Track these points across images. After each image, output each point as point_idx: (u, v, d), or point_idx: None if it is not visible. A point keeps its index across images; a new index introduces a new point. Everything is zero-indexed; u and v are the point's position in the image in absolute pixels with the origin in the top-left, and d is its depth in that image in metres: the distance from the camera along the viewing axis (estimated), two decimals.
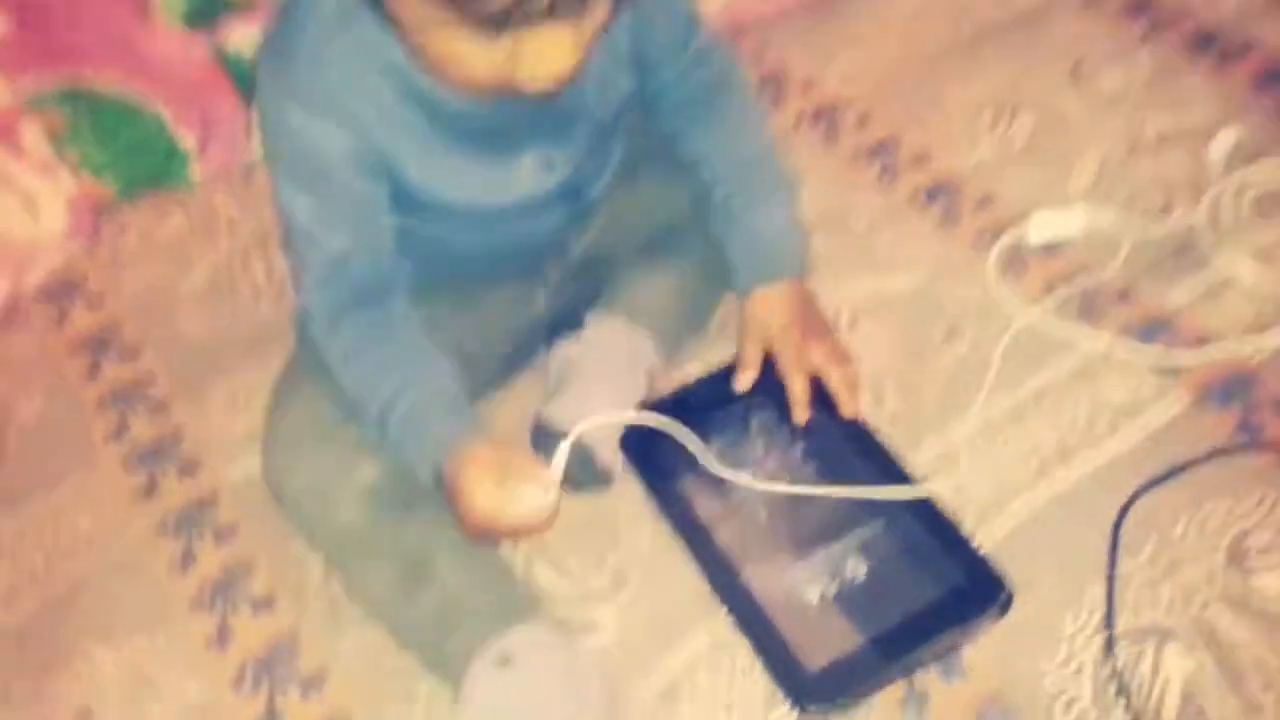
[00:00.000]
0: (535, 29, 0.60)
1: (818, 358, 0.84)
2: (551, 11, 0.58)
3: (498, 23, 0.59)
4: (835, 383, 0.84)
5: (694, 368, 0.90)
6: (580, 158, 0.80)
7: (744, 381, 0.86)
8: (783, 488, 0.79)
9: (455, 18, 0.59)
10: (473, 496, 0.68)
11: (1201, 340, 0.87)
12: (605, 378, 0.84)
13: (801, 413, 0.83)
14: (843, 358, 0.85)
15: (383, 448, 0.75)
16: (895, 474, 0.80)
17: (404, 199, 0.76)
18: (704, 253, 0.89)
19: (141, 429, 0.93)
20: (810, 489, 0.79)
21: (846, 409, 0.83)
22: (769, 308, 0.86)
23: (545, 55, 0.62)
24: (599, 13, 0.62)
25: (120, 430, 0.93)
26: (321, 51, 0.69)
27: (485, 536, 0.72)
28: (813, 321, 0.87)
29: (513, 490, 0.67)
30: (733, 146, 0.88)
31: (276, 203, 0.76)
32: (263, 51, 0.74)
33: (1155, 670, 0.70)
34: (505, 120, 0.74)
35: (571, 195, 0.83)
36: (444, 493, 0.71)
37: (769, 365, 0.87)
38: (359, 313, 0.76)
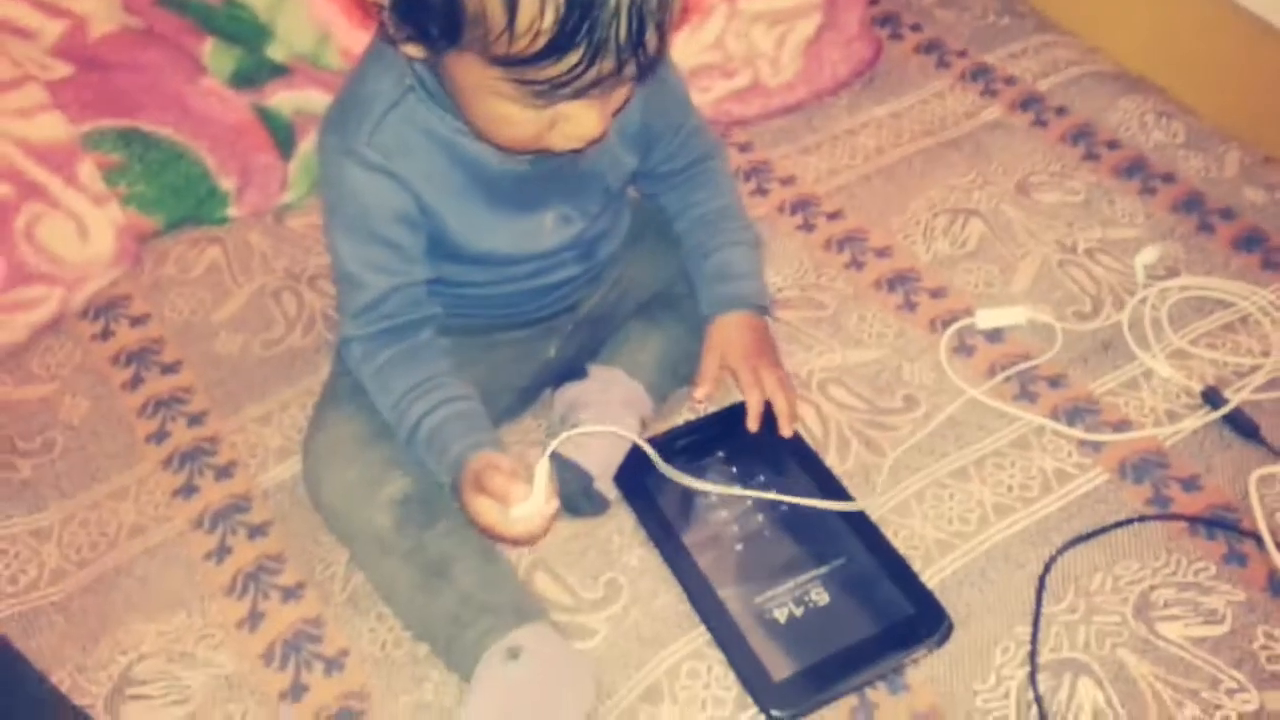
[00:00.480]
0: (575, 101, 0.71)
1: (769, 383, 0.94)
2: (592, 87, 0.69)
3: (547, 94, 0.70)
4: (779, 406, 0.94)
5: (681, 416, 0.99)
6: (593, 217, 0.90)
7: (701, 392, 0.95)
8: (740, 491, 0.90)
9: (513, 88, 0.70)
10: (474, 514, 0.80)
11: (1122, 423, 0.96)
12: (606, 417, 0.93)
13: (754, 424, 0.93)
14: (789, 388, 0.96)
15: (414, 459, 0.85)
16: (857, 516, 0.89)
17: (442, 248, 0.86)
18: (694, 316, 0.99)
19: (181, 434, 0.99)
20: (763, 494, 0.89)
21: (786, 430, 0.94)
22: (729, 333, 0.96)
23: (580, 121, 0.73)
24: (625, 89, 0.74)
25: (161, 434, 0.99)
26: (381, 120, 0.79)
27: (494, 538, 0.81)
28: (767, 351, 0.97)
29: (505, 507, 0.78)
30: (707, 203, 1.00)
31: (326, 245, 0.86)
32: (330, 113, 0.83)
33: (1070, 698, 0.78)
34: (533, 181, 0.85)
35: (585, 253, 0.93)
36: (460, 501, 0.81)
37: (743, 420, 0.96)
38: (392, 344, 0.86)
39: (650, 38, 0.68)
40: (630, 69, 0.69)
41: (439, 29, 0.68)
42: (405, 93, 0.80)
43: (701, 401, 0.97)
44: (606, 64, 0.67)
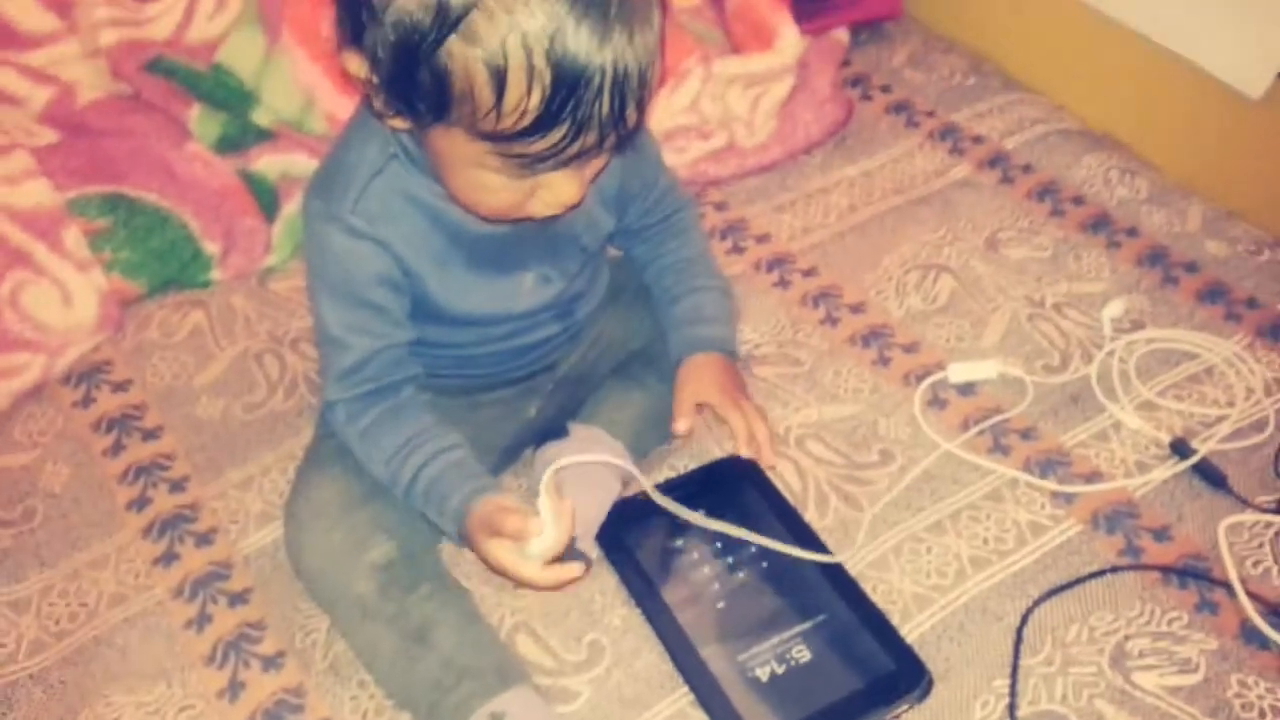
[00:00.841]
0: (556, 171, 0.74)
1: (748, 409, 0.95)
2: (575, 159, 0.72)
3: (530, 165, 0.72)
4: (760, 433, 0.94)
5: (661, 473, 1.00)
6: (571, 277, 0.92)
7: (681, 425, 0.94)
8: (725, 527, 0.90)
9: (497, 160, 0.72)
10: (490, 558, 0.80)
11: (1093, 475, 0.98)
12: (587, 477, 0.93)
13: (745, 447, 0.93)
14: (763, 417, 0.96)
15: (404, 519, 0.86)
16: (837, 573, 0.90)
17: (424, 310, 0.87)
18: (672, 374, 1.00)
19: (162, 501, 0.99)
20: (752, 536, 0.90)
21: (769, 457, 0.94)
22: (702, 370, 0.97)
23: (559, 190, 0.76)
24: (603, 158, 0.76)
25: (142, 501, 0.99)
26: (365, 187, 0.81)
27: (514, 579, 0.82)
28: (741, 386, 0.98)
29: (516, 547, 0.79)
30: (677, 251, 1.01)
31: (311, 308, 0.87)
32: (315, 179, 0.85)
33: None
34: (513, 243, 0.86)
35: (564, 312, 0.95)
36: (473, 548, 0.83)
37: (726, 476, 0.98)
38: (377, 403, 0.87)
39: (631, 113, 0.70)
40: (611, 140, 0.71)
41: (426, 106, 0.70)
42: (389, 160, 0.81)
43: (681, 436, 0.97)
44: (590, 138, 0.69)
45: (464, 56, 0.66)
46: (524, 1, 0.64)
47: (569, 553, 0.89)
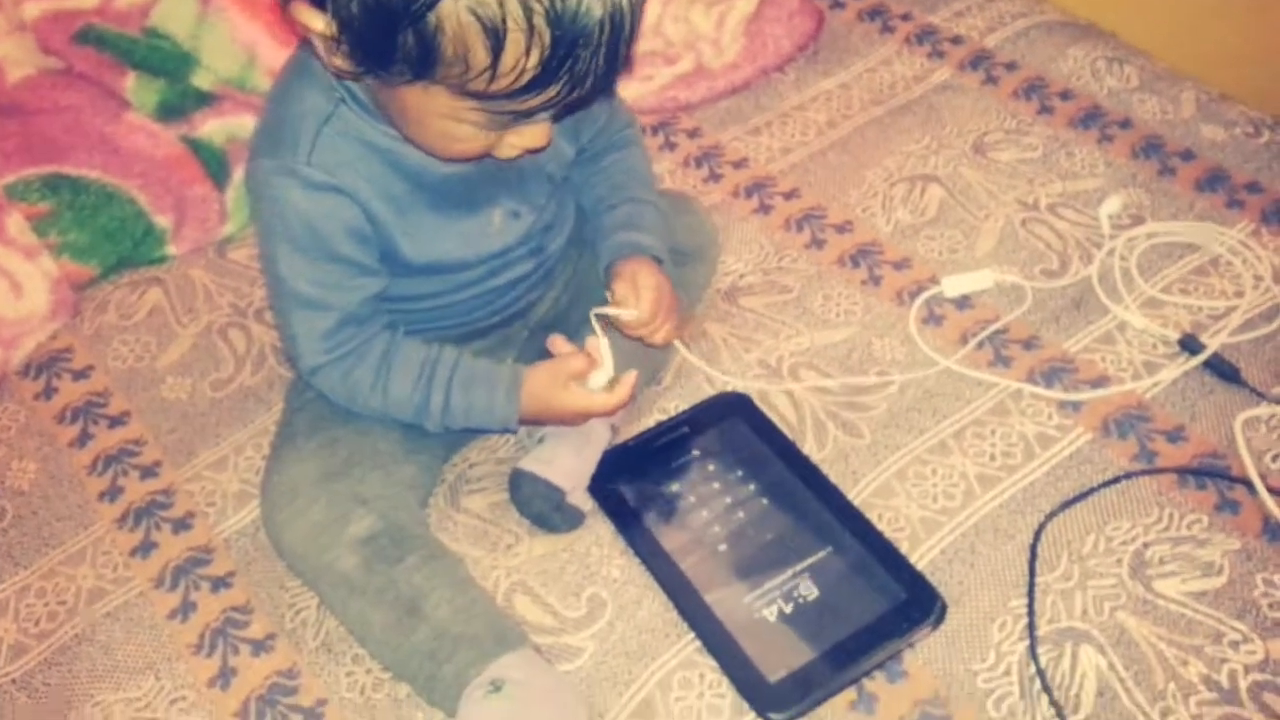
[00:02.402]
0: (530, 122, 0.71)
1: (668, 303, 0.90)
2: (565, 112, 0.70)
3: (514, 119, 0.70)
4: (660, 335, 0.89)
5: (652, 416, 0.97)
6: (540, 209, 0.88)
7: (626, 317, 0.88)
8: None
9: (478, 115, 0.69)
10: (569, 405, 0.85)
11: (1100, 380, 0.95)
12: (574, 429, 0.90)
13: (628, 319, 0.88)
14: (681, 322, 0.93)
15: (447, 426, 0.86)
16: (840, 504, 0.87)
17: (392, 260, 0.83)
18: None
19: (134, 489, 0.96)
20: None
21: (641, 310, 0.88)
22: (636, 265, 0.90)
23: (529, 135, 0.74)
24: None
25: (114, 491, 0.96)
26: (316, 137, 0.77)
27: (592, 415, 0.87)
28: (671, 293, 0.92)
29: (581, 384, 0.85)
30: (615, 165, 0.96)
31: (272, 274, 0.82)
32: (258, 137, 0.80)
33: (1073, 668, 0.77)
34: (477, 181, 0.83)
35: (536, 248, 0.90)
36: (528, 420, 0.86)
37: (720, 414, 0.95)
38: (366, 355, 0.84)
39: (624, 61, 0.68)
40: (599, 91, 0.70)
41: (406, 66, 0.67)
42: (336, 105, 0.77)
43: (632, 326, 0.89)
44: (582, 90, 0.68)
45: (458, 19, 0.63)
46: None
47: (559, 512, 0.88)
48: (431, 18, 0.63)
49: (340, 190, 0.77)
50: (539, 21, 0.63)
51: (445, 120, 0.71)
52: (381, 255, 0.83)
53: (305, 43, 0.77)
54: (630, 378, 0.86)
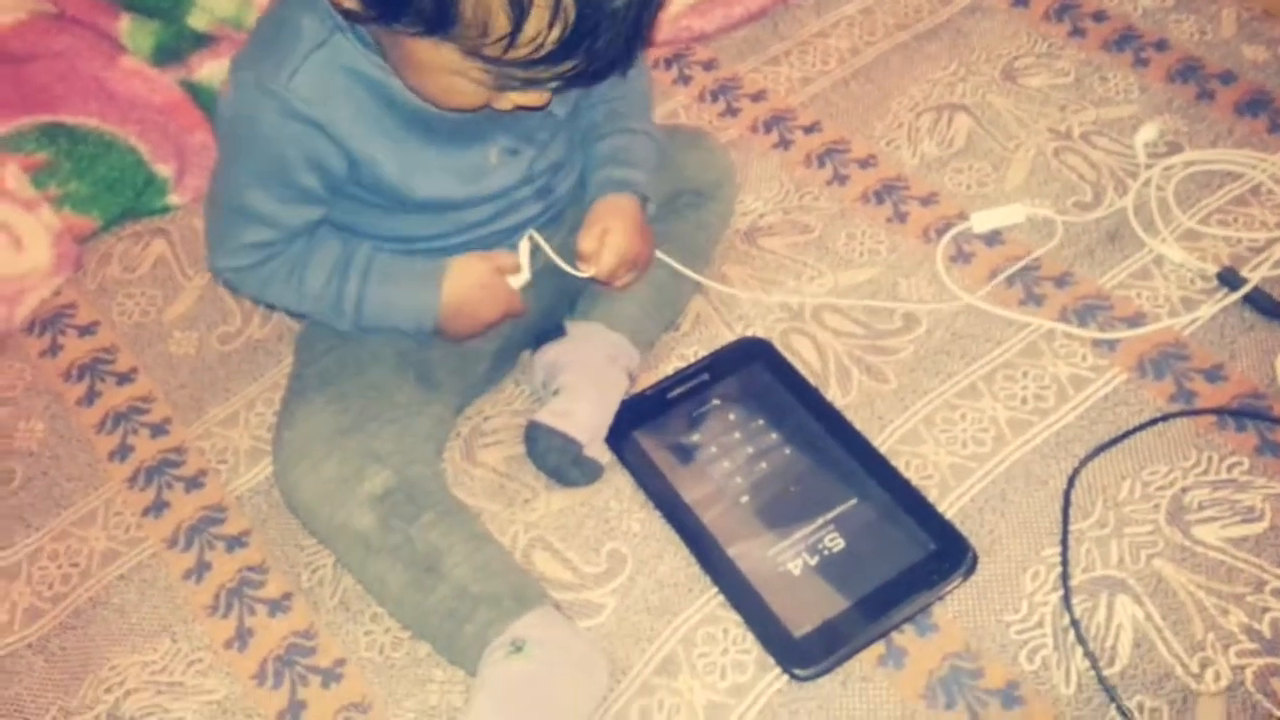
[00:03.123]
0: None
1: (632, 259, 0.88)
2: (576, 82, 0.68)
3: (523, 85, 0.68)
4: (605, 263, 0.86)
5: (670, 364, 0.94)
6: (542, 145, 0.85)
7: (585, 269, 0.87)
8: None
9: (485, 76, 0.67)
10: (481, 292, 0.84)
11: (1136, 317, 0.91)
12: (589, 377, 0.88)
13: (584, 266, 0.87)
14: (644, 267, 0.90)
15: (362, 328, 0.85)
16: (866, 452, 0.85)
17: (388, 197, 0.81)
18: (674, 253, 0.94)
19: (144, 448, 0.94)
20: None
21: (598, 270, 0.86)
22: (612, 208, 0.88)
23: (530, 96, 0.72)
24: None
25: (124, 450, 0.94)
26: (303, 62, 0.74)
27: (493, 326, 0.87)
28: (648, 243, 0.90)
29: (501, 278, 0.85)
30: (610, 92, 0.92)
31: (221, 174, 0.81)
32: (248, 47, 0.78)
33: (1109, 619, 0.75)
34: (471, 117, 0.79)
35: (544, 189, 0.87)
36: (444, 324, 0.85)
37: (740, 360, 0.92)
38: (287, 253, 0.83)
39: (645, 36, 0.67)
40: (614, 69, 0.69)
41: (419, 21, 0.65)
42: (331, 32, 0.74)
43: (587, 275, 0.87)
44: (599, 65, 0.67)
45: None
46: None
47: (576, 465, 0.85)
48: None
49: (313, 122, 0.75)
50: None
51: (449, 75, 0.69)
52: (376, 192, 0.81)
53: None
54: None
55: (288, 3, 0.76)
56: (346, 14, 0.69)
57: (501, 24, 0.63)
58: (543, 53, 0.64)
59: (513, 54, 0.65)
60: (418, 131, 0.78)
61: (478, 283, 0.85)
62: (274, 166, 0.77)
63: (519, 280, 0.86)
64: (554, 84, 0.69)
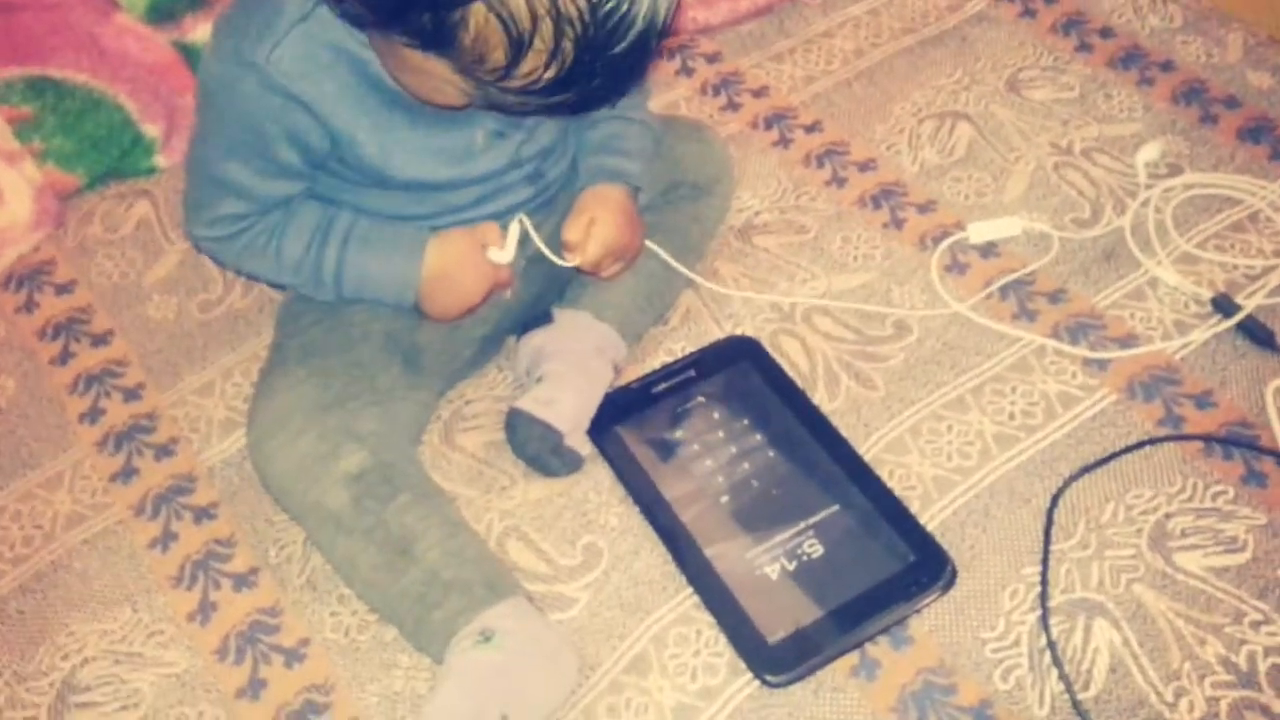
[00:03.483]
0: None
1: (619, 251, 0.86)
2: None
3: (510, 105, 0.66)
4: (588, 254, 0.84)
5: (657, 358, 0.93)
6: (529, 130, 0.83)
7: (570, 259, 0.85)
8: None
9: (472, 89, 0.66)
10: (462, 265, 0.82)
11: (1128, 338, 0.91)
12: (574, 366, 0.87)
13: (569, 255, 0.85)
14: (631, 260, 0.89)
15: (343, 298, 0.84)
16: (850, 459, 0.84)
17: (371, 177, 0.79)
18: (663, 242, 0.92)
19: (116, 412, 0.92)
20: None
21: (583, 260, 0.85)
22: (599, 199, 0.86)
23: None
24: None
25: (95, 413, 0.92)
26: (285, 35, 0.72)
27: (476, 303, 0.85)
28: (637, 236, 0.89)
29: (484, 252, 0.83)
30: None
31: (199, 144, 0.80)
32: (223, 24, 0.75)
33: (1086, 642, 0.74)
34: None
35: (534, 174, 0.86)
36: (426, 297, 0.83)
37: (728, 358, 0.91)
38: (264, 223, 0.82)
39: (636, 83, 0.66)
40: (604, 105, 0.69)
41: (413, 38, 0.63)
42: (316, 4, 0.72)
43: (572, 265, 0.86)
44: (588, 106, 0.67)
45: (485, 19, 0.59)
46: None
47: (556, 454, 0.83)
48: (458, 11, 0.60)
49: (294, 98, 0.73)
50: (567, 45, 0.60)
51: (437, 80, 0.67)
52: (358, 171, 0.79)
53: None
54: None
55: None
56: (342, 12, 0.67)
57: (498, 58, 0.62)
58: (536, 88, 0.63)
59: (506, 84, 0.64)
60: (401, 112, 0.76)
61: (459, 254, 0.83)
62: (252, 139, 0.76)
63: (502, 256, 0.84)
64: (541, 113, 0.69)
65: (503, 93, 0.65)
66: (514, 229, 0.84)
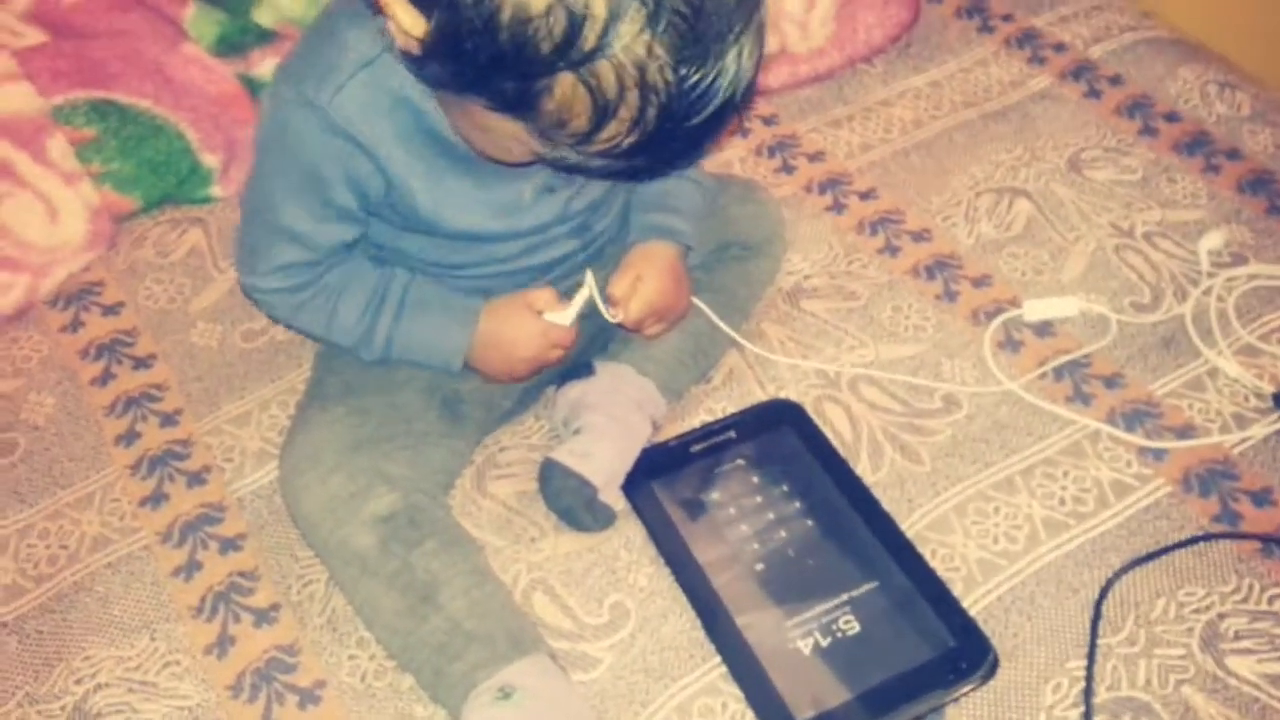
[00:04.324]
0: None
1: (662, 310, 0.87)
2: None
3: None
4: (633, 313, 0.85)
5: (697, 416, 0.91)
6: (579, 185, 0.82)
7: (614, 314, 0.85)
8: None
9: (545, 150, 0.64)
10: (515, 328, 0.82)
11: (1185, 429, 0.88)
12: (613, 420, 0.85)
13: (614, 311, 0.85)
14: (675, 320, 0.89)
15: (393, 361, 0.83)
16: (892, 534, 0.81)
17: (419, 225, 0.79)
18: (712, 304, 0.91)
19: (152, 437, 0.92)
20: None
21: (616, 313, 0.85)
22: (646, 256, 0.87)
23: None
24: None
25: (131, 435, 0.92)
26: (349, 79, 0.72)
27: (531, 366, 0.85)
28: (683, 297, 0.89)
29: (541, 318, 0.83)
30: None
31: (255, 189, 0.79)
32: (294, 57, 0.75)
33: None
34: None
35: (581, 226, 0.85)
36: (475, 360, 0.83)
37: (769, 422, 0.89)
38: (322, 279, 0.81)
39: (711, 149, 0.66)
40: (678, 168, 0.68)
41: (492, 100, 0.62)
42: (381, 52, 0.72)
43: (617, 322, 0.85)
44: (663, 170, 0.67)
45: (571, 88, 0.58)
46: (657, 61, 0.57)
47: (588, 509, 0.82)
48: (544, 80, 0.59)
49: (354, 141, 0.73)
50: (650, 113, 0.59)
51: (508, 139, 0.66)
52: (406, 219, 0.79)
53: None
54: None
55: (336, 16, 0.74)
56: (417, 72, 0.66)
57: (580, 124, 0.61)
58: (614, 152, 0.63)
59: (584, 148, 0.63)
60: (454, 163, 0.76)
61: (511, 319, 0.83)
62: (311, 182, 0.75)
63: (562, 318, 0.84)
64: (610, 176, 0.68)
65: (577, 154, 0.64)
66: (582, 292, 0.84)
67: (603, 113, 0.59)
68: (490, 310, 0.83)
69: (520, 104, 0.61)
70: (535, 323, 0.83)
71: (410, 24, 0.61)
